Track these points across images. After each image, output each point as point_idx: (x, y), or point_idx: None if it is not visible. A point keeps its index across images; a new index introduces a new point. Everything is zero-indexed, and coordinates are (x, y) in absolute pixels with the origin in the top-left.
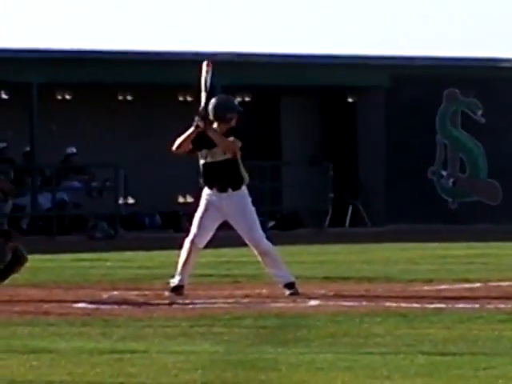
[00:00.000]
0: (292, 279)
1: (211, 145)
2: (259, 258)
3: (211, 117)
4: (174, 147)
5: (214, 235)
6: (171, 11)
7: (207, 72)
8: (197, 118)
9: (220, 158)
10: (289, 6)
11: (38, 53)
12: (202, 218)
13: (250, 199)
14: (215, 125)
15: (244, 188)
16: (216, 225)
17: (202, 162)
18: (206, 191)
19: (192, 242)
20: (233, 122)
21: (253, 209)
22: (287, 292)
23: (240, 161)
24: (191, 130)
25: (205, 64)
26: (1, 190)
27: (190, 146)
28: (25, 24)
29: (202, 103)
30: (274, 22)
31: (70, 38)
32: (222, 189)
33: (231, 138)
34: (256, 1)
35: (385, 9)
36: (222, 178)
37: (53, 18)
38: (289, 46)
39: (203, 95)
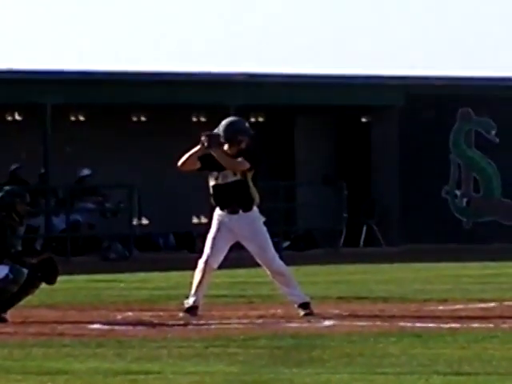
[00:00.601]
0: (307, 299)
1: (222, 166)
2: (271, 278)
3: (222, 139)
4: (180, 163)
5: (228, 256)
6: (184, 32)
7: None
8: (203, 138)
9: (230, 179)
10: (302, 26)
11: (51, 74)
12: (214, 238)
13: (261, 220)
14: (226, 146)
15: (255, 209)
16: (228, 245)
17: (212, 183)
18: (217, 212)
19: (206, 262)
20: (243, 145)
21: (264, 229)
22: (302, 312)
23: (250, 182)
24: (197, 147)
25: (205, 140)
26: (17, 212)
27: (198, 165)
28: (38, 45)
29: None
30: (287, 42)
31: (83, 59)
32: (232, 211)
33: (239, 159)
34: (269, 21)
35: (398, 28)
36: (233, 199)
37: (67, 40)
38: (302, 66)
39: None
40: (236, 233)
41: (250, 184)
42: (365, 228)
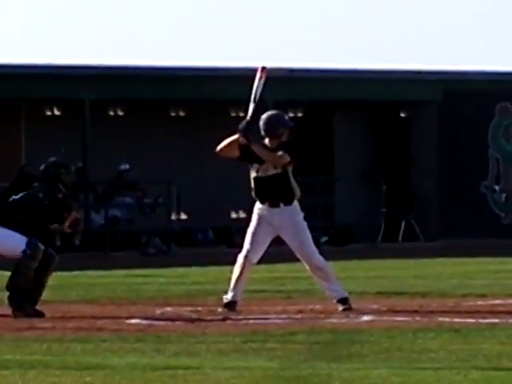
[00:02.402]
0: (345, 294)
1: (262, 159)
2: (310, 273)
3: (262, 132)
4: (218, 149)
5: (267, 250)
6: (224, 27)
7: (260, 79)
8: (240, 127)
9: (271, 172)
10: (342, 20)
11: (90, 69)
12: (254, 233)
13: (301, 214)
14: (266, 140)
15: (296, 203)
16: (269, 239)
17: (253, 175)
18: (257, 205)
19: (245, 257)
20: (284, 137)
21: (305, 224)
22: (340, 307)
23: (291, 175)
24: (235, 136)
25: (259, 70)
26: (63, 183)
27: (237, 154)
28: (77, 41)
29: (249, 115)
30: (327, 36)
31: (122, 54)
32: (273, 204)
33: (280, 152)
34: (308, 16)
35: (438, 23)
36: (274, 192)
37: (105, 35)
38: (341, 60)
39: (251, 106)
40: (276, 226)
41: (291, 177)
42: (403, 223)
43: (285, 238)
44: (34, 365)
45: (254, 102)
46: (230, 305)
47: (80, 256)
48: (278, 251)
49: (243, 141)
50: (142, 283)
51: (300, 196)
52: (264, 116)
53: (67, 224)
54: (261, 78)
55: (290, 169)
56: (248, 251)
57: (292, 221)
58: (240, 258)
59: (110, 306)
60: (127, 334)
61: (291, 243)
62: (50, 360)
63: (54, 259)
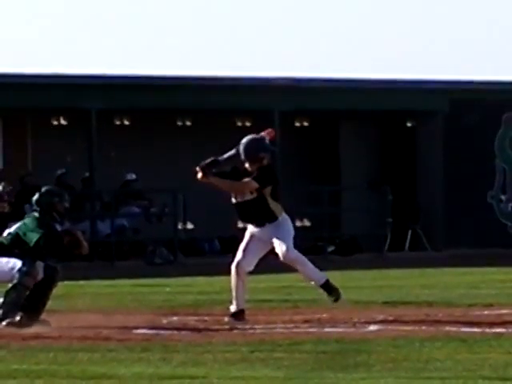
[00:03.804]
0: (323, 280)
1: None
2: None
3: (242, 156)
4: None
5: (273, 261)
6: (229, 37)
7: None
8: (201, 163)
9: (247, 197)
10: (348, 30)
11: (96, 79)
12: (247, 243)
13: (289, 224)
14: (247, 164)
15: (282, 218)
16: (261, 251)
17: (233, 201)
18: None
19: (237, 265)
20: (265, 161)
21: (290, 229)
22: (328, 295)
23: (269, 198)
24: (218, 181)
25: (268, 132)
26: (57, 211)
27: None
28: (83, 50)
29: (221, 157)
30: (333, 46)
31: (128, 63)
32: (258, 224)
33: (246, 179)
34: (315, 26)
35: (444, 33)
36: (254, 215)
37: (111, 44)
38: (347, 70)
39: (232, 152)
40: (266, 241)
41: (269, 200)
42: (410, 233)
43: (274, 244)
44: (40, 374)
45: (237, 152)
46: (237, 314)
47: (86, 265)
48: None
49: (201, 177)
50: (149, 293)
51: (281, 213)
52: (244, 140)
53: (70, 247)
54: (266, 138)
55: (267, 192)
56: (239, 260)
57: (277, 229)
58: (232, 268)
59: (116, 316)
60: (134, 343)
61: (275, 246)
62: (57, 369)
63: (56, 272)
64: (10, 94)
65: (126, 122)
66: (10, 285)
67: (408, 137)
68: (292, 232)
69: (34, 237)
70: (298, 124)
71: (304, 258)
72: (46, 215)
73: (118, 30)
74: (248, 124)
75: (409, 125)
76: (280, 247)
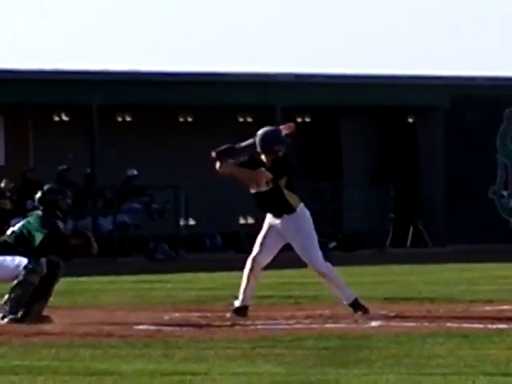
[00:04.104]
0: (352, 298)
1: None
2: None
3: (258, 148)
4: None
5: (275, 256)
6: (231, 33)
7: (281, 131)
8: (217, 149)
9: (264, 188)
10: (347, 26)
11: (98, 75)
12: (264, 236)
13: (308, 219)
14: (262, 156)
15: (300, 209)
16: (278, 245)
17: (252, 191)
18: (268, 214)
19: (254, 259)
20: (280, 154)
21: (310, 229)
22: (354, 312)
23: (284, 189)
24: (239, 170)
25: (288, 127)
26: (60, 209)
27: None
28: (85, 46)
29: (239, 145)
30: (334, 41)
31: (130, 59)
32: (276, 215)
33: (261, 169)
34: (315, 22)
35: (445, 28)
36: (271, 206)
37: (113, 40)
38: (348, 66)
39: (250, 141)
40: (283, 234)
41: (285, 191)
42: (411, 228)
43: (291, 244)
44: (42, 370)
45: (254, 142)
46: (240, 310)
47: (88, 262)
48: (285, 257)
49: (219, 167)
50: (150, 289)
51: (299, 204)
52: (260, 132)
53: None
54: (281, 131)
55: (282, 183)
56: (257, 253)
57: (295, 227)
58: (248, 261)
59: (118, 312)
60: (135, 339)
61: (296, 249)
62: (59, 366)
63: (58, 267)
64: (11, 91)
65: (128, 118)
66: (15, 282)
67: (409, 132)
68: (313, 232)
69: (38, 236)
70: (299, 120)
71: (333, 273)
72: (49, 213)
73: (120, 26)
74: (250, 120)
75: (410, 120)
76: (307, 257)
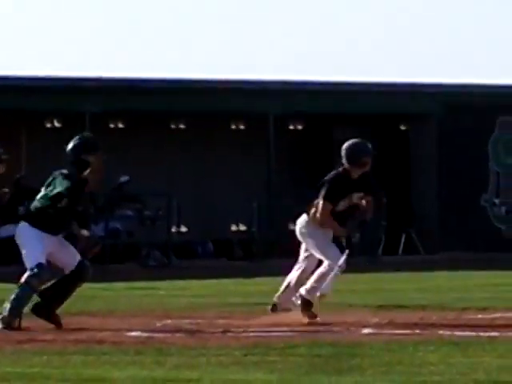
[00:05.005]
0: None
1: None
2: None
3: (344, 160)
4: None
5: (267, 263)
6: (221, 40)
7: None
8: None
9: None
10: (340, 33)
11: (90, 82)
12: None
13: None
14: (348, 166)
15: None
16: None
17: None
18: None
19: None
20: (367, 167)
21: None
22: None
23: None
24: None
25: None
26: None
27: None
28: (78, 53)
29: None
30: (325, 49)
31: (122, 66)
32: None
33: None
34: (306, 28)
35: (437, 36)
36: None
37: (106, 47)
38: (341, 73)
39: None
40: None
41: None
42: (404, 236)
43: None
44: (34, 377)
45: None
46: (275, 307)
47: None
48: (278, 264)
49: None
50: (142, 296)
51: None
52: (346, 145)
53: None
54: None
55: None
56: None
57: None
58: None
59: (110, 319)
60: (127, 346)
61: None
62: (51, 372)
63: (87, 271)
64: (4, 97)
65: (120, 125)
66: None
67: (401, 140)
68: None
69: (59, 185)
70: (291, 127)
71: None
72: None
73: (114, 33)
74: (242, 127)
75: (402, 128)
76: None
